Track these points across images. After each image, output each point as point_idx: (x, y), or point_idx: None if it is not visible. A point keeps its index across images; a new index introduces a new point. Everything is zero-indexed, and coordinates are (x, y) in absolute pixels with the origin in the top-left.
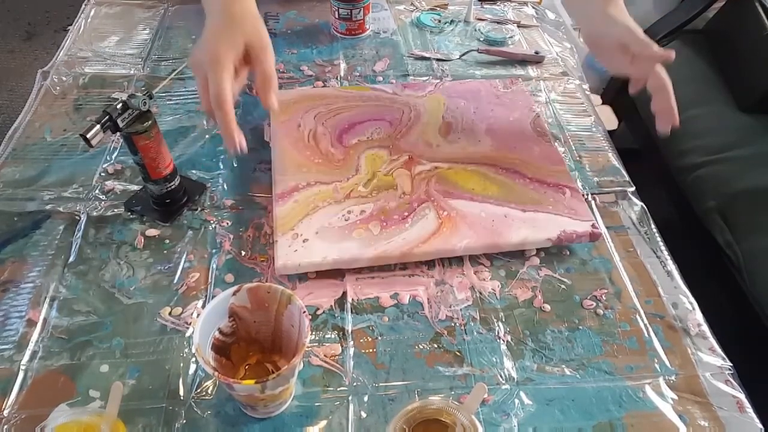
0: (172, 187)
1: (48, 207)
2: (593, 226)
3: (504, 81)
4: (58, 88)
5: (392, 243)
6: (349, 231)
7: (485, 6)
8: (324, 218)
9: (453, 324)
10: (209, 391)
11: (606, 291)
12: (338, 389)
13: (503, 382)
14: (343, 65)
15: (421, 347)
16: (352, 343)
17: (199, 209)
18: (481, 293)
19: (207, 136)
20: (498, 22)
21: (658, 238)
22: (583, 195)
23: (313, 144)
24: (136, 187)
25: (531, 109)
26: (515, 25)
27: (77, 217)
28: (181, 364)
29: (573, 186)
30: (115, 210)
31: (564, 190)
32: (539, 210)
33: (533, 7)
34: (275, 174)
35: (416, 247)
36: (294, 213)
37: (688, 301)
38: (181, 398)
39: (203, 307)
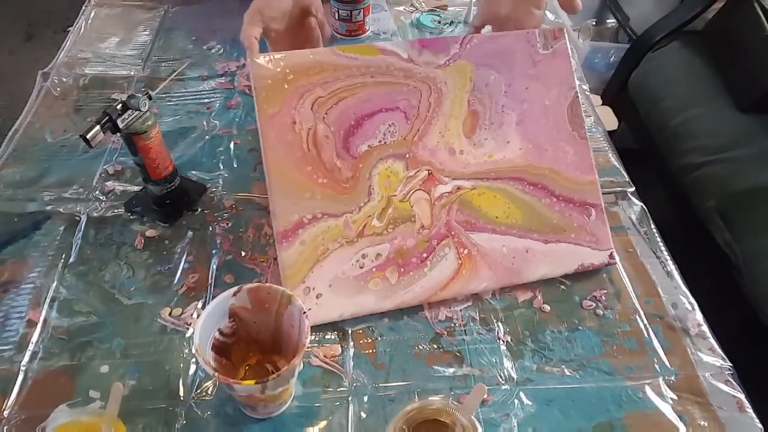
0: (172, 187)
1: (48, 208)
2: (610, 256)
3: (544, 34)
4: (58, 89)
5: (410, 292)
6: (365, 281)
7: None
8: (336, 266)
9: (453, 324)
10: (209, 392)
11: (606, 291)
12: (338, 390)
13: (503, 382)
14: None
15: (421, 348)
16: (352, 343)
17: (199, 210)
18: (480, 294)
19: (207, 137)
20: None
21: (658, 239)
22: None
23: (314, 153)
24: (136, 188)
25: (570, 85)
26: None
27: (77, 218)
28: (181, 365)
29: (598, 204)
30: (116, 211)
31: (590, 211)
32: (561, 240)
33: None
34: (273, 198)
35: (434, 295)
36: (302, 260)
37: (687, 301)
38: (182, 399)
39: (203, 307)
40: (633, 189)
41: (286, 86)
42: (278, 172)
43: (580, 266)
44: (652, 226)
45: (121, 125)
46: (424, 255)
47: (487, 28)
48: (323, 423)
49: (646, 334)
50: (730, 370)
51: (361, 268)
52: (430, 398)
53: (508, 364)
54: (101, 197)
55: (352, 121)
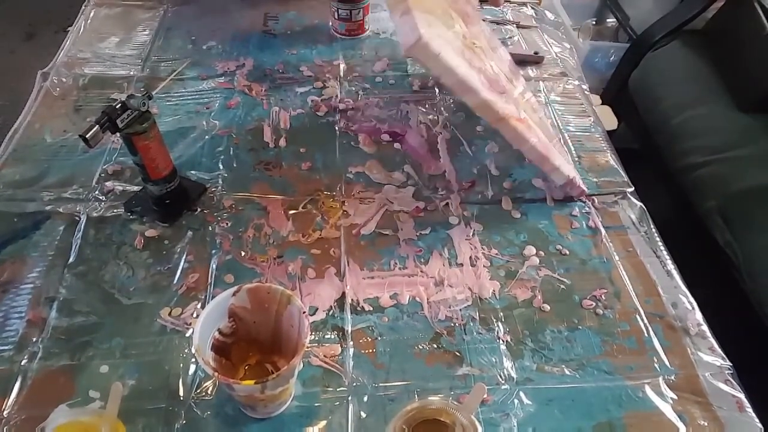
0: (172, 187)
1: (48, 208)
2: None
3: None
4: (58, 89)
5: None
6: (467, 60)
7: (484, 7)
8: (449, 44)
9: (452, 324)
10: (209, 392)
11: (605, 291)
12: (338, 389)
13: (503, 382)
14: (342, 65)
15: (421, 347)
16: (351, 343)
17: (199, 210)
18: (480, 293)
19: (206, 137)
20: (497, 23)
21: (658, 238)
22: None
23: None
24: (135, 188)
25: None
26: (514, 25)
27: (77, 218)
28: (181, 365)
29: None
30: (115, 211)
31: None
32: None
33: (532, 8)
34: None
35: (511, 120)
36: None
37: (687, 300)
38: (181, 398)
39: (203, 307)
40: (632, 189)
41: None
42: None
43: (572, 178)
44: (652, 225)
45: (120, 125)
46: (501, 91)
47: None
48: (323, 423)
49: (646, 334)
50: (729, 369)
51: (463, 53)
52: (429, 398)
53: (507, 363)
54: (101, 197)
55: None
